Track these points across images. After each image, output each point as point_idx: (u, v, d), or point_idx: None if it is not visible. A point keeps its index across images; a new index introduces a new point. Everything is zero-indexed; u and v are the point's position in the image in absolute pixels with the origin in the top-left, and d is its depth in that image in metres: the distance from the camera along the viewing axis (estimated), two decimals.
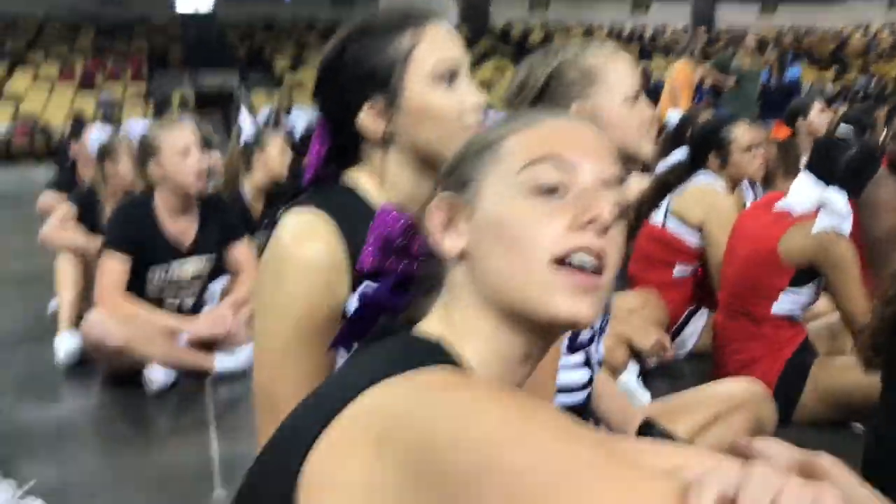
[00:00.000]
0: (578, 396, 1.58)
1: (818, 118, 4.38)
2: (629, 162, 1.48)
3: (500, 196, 0.79)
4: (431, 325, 0.81)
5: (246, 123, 4.02)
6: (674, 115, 4.28)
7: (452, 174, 0.85)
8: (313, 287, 1.13)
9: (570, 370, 1.57)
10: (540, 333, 0.79)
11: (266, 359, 1.19)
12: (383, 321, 0.85)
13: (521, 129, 0.82)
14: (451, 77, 1.19)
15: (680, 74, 7.69)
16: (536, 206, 0.76)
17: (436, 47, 1.19)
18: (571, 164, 0.78)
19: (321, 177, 1.27)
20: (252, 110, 9.14)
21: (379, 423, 0.64)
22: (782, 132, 4.24)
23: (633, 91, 1.49)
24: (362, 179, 1.24)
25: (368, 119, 1.20)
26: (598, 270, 0.76)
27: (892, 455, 1.57)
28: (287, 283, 1.15)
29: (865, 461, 1.65)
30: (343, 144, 1.26)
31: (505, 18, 21.18)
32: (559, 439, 0.60)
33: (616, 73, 1.49)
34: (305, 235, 1.15)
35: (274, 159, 3.88)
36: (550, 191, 0.77)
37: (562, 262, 0.75)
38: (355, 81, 1.20)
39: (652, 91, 8.62)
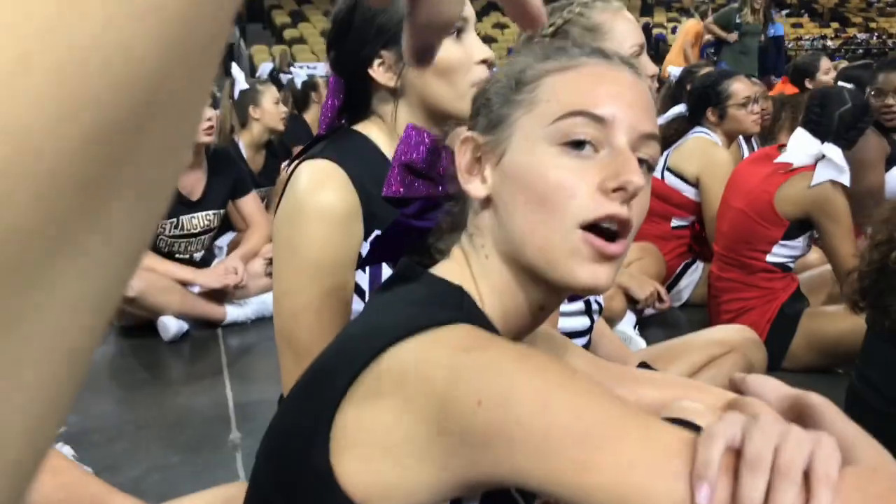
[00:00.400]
0: (578, 342, 1.66)
1: (825, 78, 4.42)
2: None
3: (530, 145, 0.77)
4: (452, 268, 0.82)
5: (239, 77, 4.02)
6: (675, 71, 4.31)
7: (484, 110, 0.83)
8: (328, 233, 1.20)
9: (571, 317, 1.65)
10: (556, 290, 0.80)
11: (286, 303, 1.25)
12: (405, 261, 0.86)
13: (559, 70, 0.79)
14: (458, 32, 1.24)
15: (690, 33, 7.69)
16: (566, 162, 0.75)
17: None
18: (606, 120, 0.76)
19: (334, 129, 1.34)
20: (252, 64, 9.09)
21: (407, 381, 0.66)
22: (789, 88, 4.28)
23: (637, 47, 1.54)
24: (373, 132, 1.30)
25: (379, 73, 1.26)
26: (620, 235, 0.76)
27: (873, 393, 1.65)
28: (304, 229, 1.21)
29: (849, 400, 1.74)
30: (355, 98, 1.32)
31: None
32: (576, 397, 0.63)
33: (620, 29, 1.53)
34: (320, 184, 1.21)
35: (269, 112, 3.87)
36: (582, 144, 0.75)
37: (587, 227, 0.74)
38: (366, 37, 1.26)
39: (654, 46, 8.60)
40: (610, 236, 0.75)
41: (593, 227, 0.75)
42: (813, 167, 2.37)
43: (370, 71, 1.26)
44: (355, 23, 1.27)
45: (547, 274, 0.76)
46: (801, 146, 2.40)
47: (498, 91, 0.82)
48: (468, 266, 0.82)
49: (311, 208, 1.21)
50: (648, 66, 1.56)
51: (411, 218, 0.90)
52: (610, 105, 0.76)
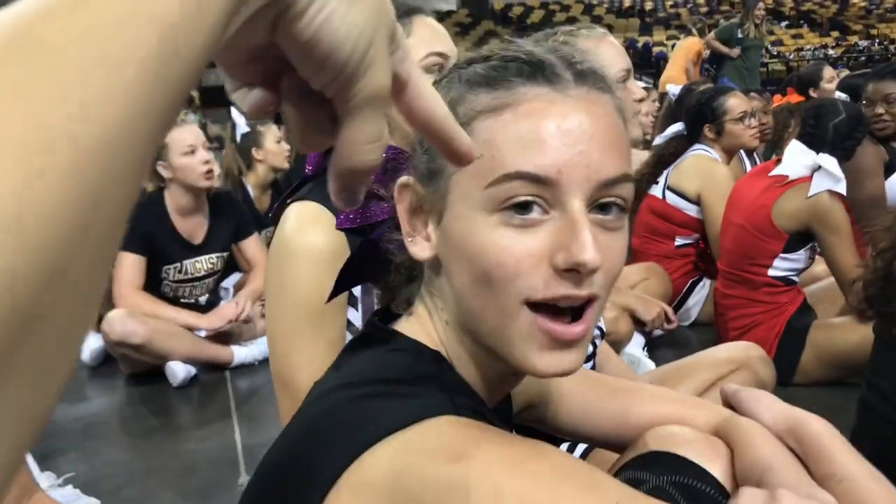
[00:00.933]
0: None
1: (829, 86, 4.43)
2: None
3: (467, 211, 0.67)
4: (419, 330, 0.74)
5: (239, 121, 4.06)
6: (674, 89, 4.32)
7: (420, 147, 0.73)
8: (317, 273, 1.20)
9: None
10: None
11: (279, 345, 1.25)
12: (373, 321, 0.79)
13: (492, 111, 0.66)
14: (440, 69, 1.25)
15: (691, 51, 7.72)
16: (507, 235, 0.64)
17: (424, 40, 1.26)
18: (550, 179, 0.64)
19: (322, 169, 1.35)
20: None
21: (391, 498, 0.59)
22: (794, 99, 4.29)
23: (623, 73, 1.54)
24: None
25: None
26: (584, 306, 0.66)
27: (884, 403, 1.62)
28: (292, 270, 1.22)
29: (860, 411, 1.71)
30: None
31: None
32: (576, 497, 0.57)
33: (606, 55, 1.53)
34: (307, 225, 1.22)
35: (272, 152, 3.92)
36: (527, 206, 0.64)
37: (538, 305, 0.65)
38: None
39: (653, 64, 8.64)
40: (572, 312, 0.66)
41: (548, 306, 0.65)
42: (809, 178, 2.36)
43: None
44: None
45: (505, 357, 0.68)
46: (796, 158, 2.39)
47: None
48: (433, 326, 0.74)
49: (298, 250, 1.21)
50: (636, 91, 1.56)
51: (377, 242, 0.83)
52: (555, 156, 0.63)
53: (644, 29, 17.24)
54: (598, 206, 0.66)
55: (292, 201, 1.28)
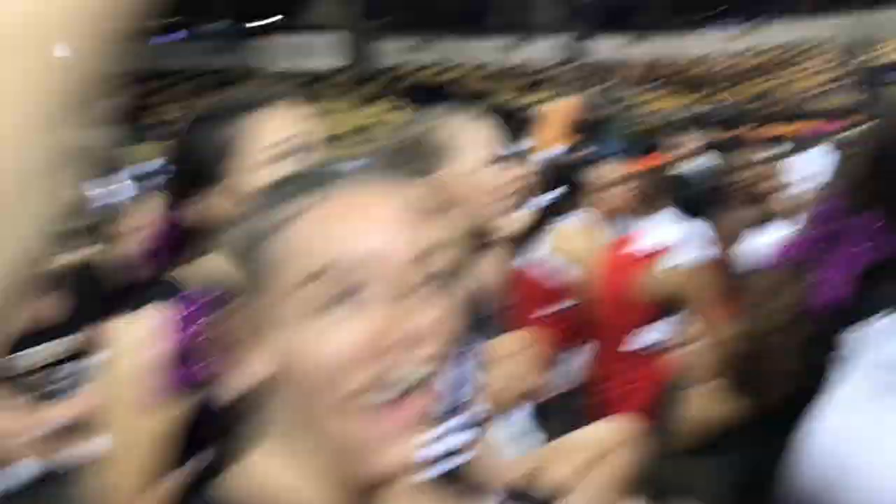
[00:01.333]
0: (446, 465, 1.55)
1: (682, 150, 4.61)
2: (483, 232, 1.48)
3: (291, 318, 0.66)
4: (253, 473, 0.70)
5: (101, 192, 3.90)
6: (549, 153, 4.41)
7: (243, 267, 0.72)
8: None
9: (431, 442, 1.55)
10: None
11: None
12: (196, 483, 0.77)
13: (292, 220, 0.68)
14: (297, 151, 1.20)
15: (566, 113, 7.93)
16: (330, 328, 0.65)
17: (284, 124, 1.20)
18: (358, 264, 0.65)
19: (158, 273, 1.25)
20: (134, 163, 8.90)
21: None
22: (656, 161, 4.44)
23: (488, 159, 1.48)
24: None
25: (201, 207, 1.19)
26: (416, 382, 0.66)
27: (765, 477, 1.62)
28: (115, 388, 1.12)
29: (738, 485, 1.70)
30: (182, 237, 1.24)
31: (392, 60, 21.48)
32: None
33: (468, 142, 1.47)
34: (134, 344, 1.14)
35: (136, 228, 3.74)
36: (340, 298, 0.65)
37: (365, 397, 0.65)
38: (188, 173, 1.20)
39: (530, 127, 8.87)
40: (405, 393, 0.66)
41: (382, 397, 0.65)
42: (673, 248, 2.40)
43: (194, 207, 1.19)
44: (181, 158, 1.23)
45: (348, 464, 0.67)
46: (659, 227, 2.43)
47: (240, 249, 0.71)
48: (269, 462, 0.70)
49: (123, 370, 1.12)
50: (509, 170, 1.51)
51: (209, 401, 0.79)
52: (360, 244, 0.66)
53: (523, 91, 17.80)
54: (415, 282, 0.67)
55: (128, 309, 1.19)
